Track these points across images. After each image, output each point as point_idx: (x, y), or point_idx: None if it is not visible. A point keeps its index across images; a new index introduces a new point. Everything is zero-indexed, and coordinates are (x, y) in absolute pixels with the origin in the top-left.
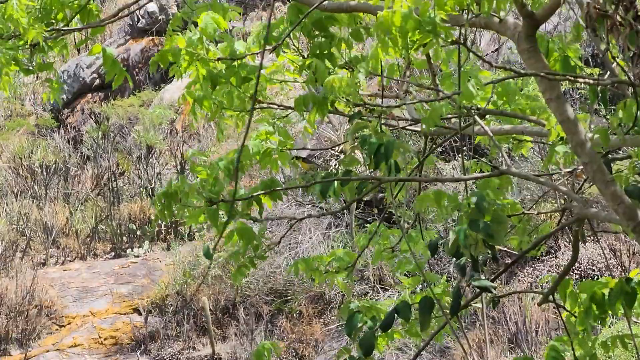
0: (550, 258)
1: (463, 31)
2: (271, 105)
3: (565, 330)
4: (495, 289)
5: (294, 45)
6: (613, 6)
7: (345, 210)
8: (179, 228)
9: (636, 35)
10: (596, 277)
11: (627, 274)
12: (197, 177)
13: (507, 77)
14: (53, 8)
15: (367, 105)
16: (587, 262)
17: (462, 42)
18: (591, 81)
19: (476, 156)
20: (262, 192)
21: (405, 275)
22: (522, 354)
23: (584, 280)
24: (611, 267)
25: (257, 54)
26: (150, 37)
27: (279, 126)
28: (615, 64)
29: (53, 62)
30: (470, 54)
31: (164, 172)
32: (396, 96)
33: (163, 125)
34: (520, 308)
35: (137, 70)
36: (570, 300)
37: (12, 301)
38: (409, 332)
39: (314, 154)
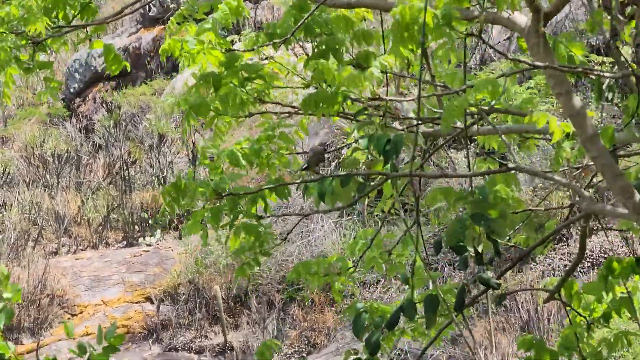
0: (562, 246)
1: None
2: (275, 105)
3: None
4: (499, 286)
5: (298, 43)
6: None
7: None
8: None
9: None
10: None
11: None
12: (207, 171)
13: (520, 70)
14: (54, 7)
15: (377, 99)
16: (600, 250)
17: (478, 35)
18: (602, 74)
19: (485, 152)
20: (268, 187)
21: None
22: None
23: (596, 268)
24: (623, 254)
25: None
26: (162, 26)
27: (280, 130)
28: (621, 54)
29: (52, 62)
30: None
31: (176, 161)
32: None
33: (175, 113)
34: (532, 296)
35: (148, 59)
36: (575, 300)
37: (24, 290)
38: (416, 331)
39: (326, 142)
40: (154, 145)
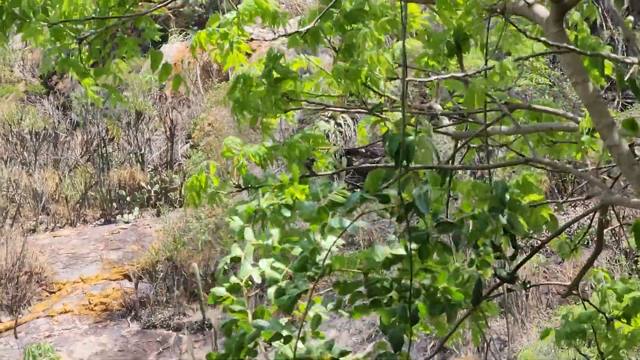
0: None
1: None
2: (306, 101)
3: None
4: (515, 280)
5: (327, 41)
6: None
7: (335, 176)
8: (169, 194)
9: None
10: None
11: (620, 244)
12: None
13: (541, 53)
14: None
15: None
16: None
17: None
18: (623, 59)
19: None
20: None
21: None
22: (512, 317)
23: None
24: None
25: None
26: (140, 2)
27: (318, 133)
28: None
29: (108, 68)
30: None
31: (154, 138)
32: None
33: (152, 91)
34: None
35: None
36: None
37: (2, 268)
38: (437, 325)
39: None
40: (132, 123)
